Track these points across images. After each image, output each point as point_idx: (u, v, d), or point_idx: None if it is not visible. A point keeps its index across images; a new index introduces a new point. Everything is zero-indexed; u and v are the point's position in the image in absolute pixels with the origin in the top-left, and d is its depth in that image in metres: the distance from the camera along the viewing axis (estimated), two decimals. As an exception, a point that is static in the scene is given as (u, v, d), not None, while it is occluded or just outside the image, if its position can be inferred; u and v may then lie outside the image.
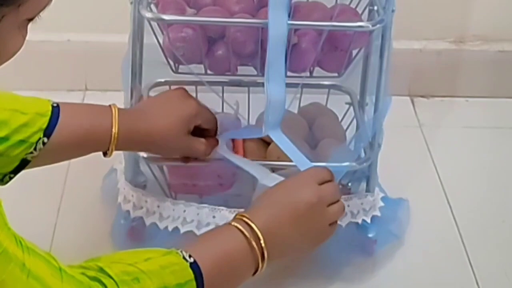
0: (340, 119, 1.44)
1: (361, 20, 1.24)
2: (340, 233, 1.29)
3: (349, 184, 1.37)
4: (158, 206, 1.27)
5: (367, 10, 1.28)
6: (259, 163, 1.25)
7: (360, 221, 1.31)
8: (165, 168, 1.32)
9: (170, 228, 1.26)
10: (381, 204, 1.34)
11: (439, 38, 1.76)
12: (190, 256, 0.93)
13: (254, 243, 0.99)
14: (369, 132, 1.31)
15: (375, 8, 1.23)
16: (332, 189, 1.11)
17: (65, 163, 1.52)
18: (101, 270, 0.87)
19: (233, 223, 1.00)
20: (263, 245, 0.99)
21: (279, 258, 1.04)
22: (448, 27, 1.75)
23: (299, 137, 1.36)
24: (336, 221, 1.11)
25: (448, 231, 1.44)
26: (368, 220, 1.31)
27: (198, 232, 1.24)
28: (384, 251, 1.37)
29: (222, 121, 1.39)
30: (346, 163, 1.28)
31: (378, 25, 1.19)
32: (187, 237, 1.23)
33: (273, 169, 1.25)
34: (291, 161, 1.20)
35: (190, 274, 0.91)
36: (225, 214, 1.24)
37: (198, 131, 1.21)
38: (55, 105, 1.08)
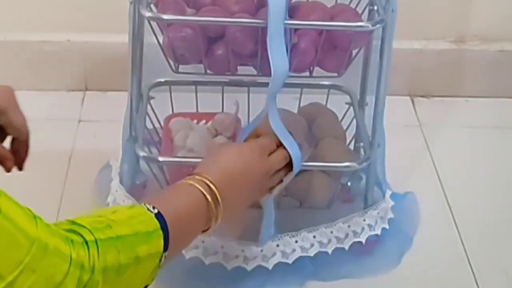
0: (340, 119, 1.44)
1: (361, 20, 1.24)
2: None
3: (349, 184, 1.37)
4: None
5: (367, 10, 1.28)
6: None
7: (379, 232, 1.31)
8: (165, 168, 1.33)
9: None
10: (392, 203, 1.34)
11: (439, 38, 1.76)
12: (154, 208, 0.96)
13: (212, 204, 1.03)
14: (369, 132, 1.31)
15: (375, 8, 1.23)
16: (279, 158, 1.15)
17: (65, 159, 1.53)
18: (73, 222, 0.89)
19: (191, 182, 1.04)
20: (220, 206, 1.04)
21: (224, 220, 1.07)
22: (448, 27, 1.75)
23: (299, 137, 1.36)
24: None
25: (448, 231, 1.44)
26: (387, 226, 1.32)
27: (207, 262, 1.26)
28: (384, 251, 1.36)
29: (222, 121, 1.39)
30: (346, 163, 1.28)
31: (378, 25, 1.19)
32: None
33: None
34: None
35: (156, 223, 0.94)
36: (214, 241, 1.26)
37: None
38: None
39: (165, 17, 1.19)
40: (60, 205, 1.44)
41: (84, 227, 0.88)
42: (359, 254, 1.34)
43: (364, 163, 1.29)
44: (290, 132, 1.18)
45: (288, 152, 1.15)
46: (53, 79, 1.73)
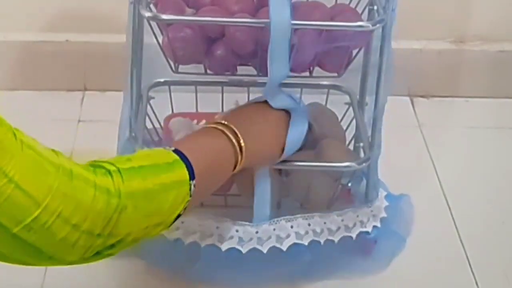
0: (340, 119, 1.43)
1: (361, 20, 1.24)
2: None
3: (349, 184, 1.37)
4: None
5: (367, 10, 1.28)
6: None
7: (370, 229, 1.31)
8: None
9: (168, 237, 1.27)
10: (386, 203, 1.34)
11: (439, 38, 1.76)
12: (170, 147, 1.01)
13: (234, 140, 1.09)
14: (369, 132, 1.31)
15: (375, 7, 1.23)
16: None
17: (67, 154, 1.53)
18: (93, 161, 0.92)
19: (214, 126, 1.10)
20: (242, 142, 1.09)
21: (250, 160, 1.13)
22: (448, 27, 1.75)
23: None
24: None
25: (447, 232, 1.44)
26: (379, 225, 1.32)
27: (202, 244, 1.26)
28: (384, 251, 1.36)
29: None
30: (346, 163, 1.28)
31: (378, 25, 1.19)
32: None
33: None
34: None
35: (174, 156, 0.98)
36: (229, 225, 1.26)
37: None
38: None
39: (165, 17, 1.18)
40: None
41: (105, 161, 0.91)
42: (355, 254, 1.34)
43: (364, 163, 1.29)
44: None
45: None
46: (52, 79, 1.73)
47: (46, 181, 0.82)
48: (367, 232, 1.32)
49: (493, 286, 1.35)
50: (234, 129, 1.10)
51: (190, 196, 0.98)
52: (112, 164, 0.91)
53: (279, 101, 1.20)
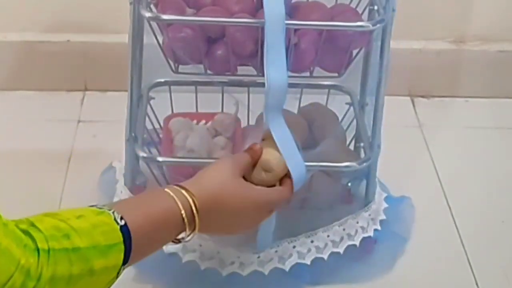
0: (340, 119, 1.43)
1: (361, 20, 1.24)
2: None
3: (349, 184, 1.37)
4: None
5: (367, 10, 1.28)
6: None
7: (372, 234, 1.31)
8: (165, 168, 1.32)
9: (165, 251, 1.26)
10: (385, 205, 1.34)
11: (439, 38, 1.76)
12: (121, 219, 0.93)
13: (184, 216, 1.00)
14: (369, 132, 1.31)
15: (375, 7, 1.23)
16: (282, 199, 1.12)
17: (65, 159, 1.53)
18: (32, 224, 0.87)
19: (168, 191, 1.01)
20: (196, 220, 1.01)
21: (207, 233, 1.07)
22: (448, 27, 1.75)
23: (299, 138, 1.36)
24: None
25: (448, 232, 1.44)
26: (379, 228, 1.32)
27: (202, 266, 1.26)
28: (384, 251, 1.36)
29: (222, 121, 1.39)
30: (346, 163, 1.28)
31: (378, 25, 1.19)
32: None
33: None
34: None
35: (119, 236, 0.92)
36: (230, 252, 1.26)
37: None
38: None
39: (165, 17, 1.18)
40: (60, 205, 1.44)
41: (41, 232, 0.87)
42: (356, 259, 1.34)
43: (364, 164, 1.29)
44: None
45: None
46: (52, 79, 1.73)
47: None
48: (369, 237, 1.32)
49: (493, 286, 1.35)
50: (189, 199, 1.01)
51: (116, 278, 0.93)
52: (46, 240, 0.86)
53: (280, 126, 1.14)
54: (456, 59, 1.77)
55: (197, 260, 1.26)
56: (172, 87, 1.42)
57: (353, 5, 1.29)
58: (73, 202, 1.44)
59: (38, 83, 1.73)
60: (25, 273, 0.83)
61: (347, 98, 1.44)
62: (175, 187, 1.02)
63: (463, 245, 1.42)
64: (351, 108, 1.42)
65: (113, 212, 0.93)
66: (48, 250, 0.86)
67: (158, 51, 1.25)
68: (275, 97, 1.11)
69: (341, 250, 1.30)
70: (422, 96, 1.79)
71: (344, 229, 1.30)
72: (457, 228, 1.45)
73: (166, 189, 1.01)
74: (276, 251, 1.27)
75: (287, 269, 1.27)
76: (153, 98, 1.40)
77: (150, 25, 1.23)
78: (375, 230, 1.32)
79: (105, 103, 1.71)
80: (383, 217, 1.34)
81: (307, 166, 1.26)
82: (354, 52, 1.28)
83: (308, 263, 1.28)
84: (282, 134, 1.13)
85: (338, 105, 1.43)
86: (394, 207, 1.38)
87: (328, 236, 1.29)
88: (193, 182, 1.05)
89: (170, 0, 1.23)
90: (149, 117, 1.39)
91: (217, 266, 1.26)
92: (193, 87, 1.42)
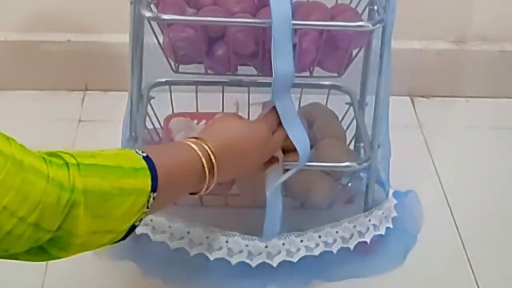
0: (340, 119, 1.44)
1: (361, 20, 1.24)
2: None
3: (349, 184, 1.37)
4: (151, 220, 1.27)
5: (367, 9, 1.28)
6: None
7: (383, 232, 1.31)
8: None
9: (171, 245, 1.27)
10: (395, 201, 1.35)
11: (439, 38, 1.76)
12: (143, 152, 0.95)
13: (205, 163, 1.03)
14: (369, 132, 1.31)
15: (375, 7, 1.23)
16: (279, 139, 1.17)
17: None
18: (56, 151, 0.88)
19: (187, 142, 1.04)
20: (215, 166, 1.04)
21: (221, 180, 1.09)
22: (448, 27, 1.75)
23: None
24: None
25: (448, 231, 1.44)
26: (391, 226, 1.32)
27: (211, 257, 1.26)
28: (389, 250, 1.36)
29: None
30: (346, 163, 1.28)
31: (378, 25, 1.19)
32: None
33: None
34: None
35: (143, 163, 0.93)
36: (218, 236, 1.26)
37: None
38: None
39: (165, 17, 1.18)
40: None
41: (66, 152, 0.87)
42: (364, 253, 1.34)
43: (364, 164, 1.29)
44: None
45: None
46: (53, 79, 1.73)
47: None
48: (380, 235, 1.32)
49: (493, 286, 1.35)
50: (208, 149, 1.05)
51: (147, 208, 0.93)
52: (74, 157, 0.87)
53: (286, 105, 1.17)
54: (457, 59, 1.76)
55: (205, 252, 1.26)
56: (172, 87, 1.42)
57: (353, 5, 1.29)
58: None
59: (38, 83, 1.73)
60: (58, 185, 0.83)
61: (347, 98, 1.44)
62: (190, 138, 1.06)
63: (463, 245, 1.41)
64: (351, 108, 1.43)
65: (134, 150, 0.95)
66: (78, 164, 0.86)
67: (158, 51, 1.25)
68: (282, 83, 1.14)
69: (351, 246, 1.30)
70: (422, 96, 1.79)
71: (354, 226, 1.30)
72: (457, 228, 1.45)
73: (187, 142, 1.05)
74: (283, 244, 1.27)
75: (295, 260, 1.27)
76: (153, 98, 1.40)
77: (151, 25, 1.23)
78: (387, 228, 1.32)
79: (106, 103, 1.71)
80: (394, 214, 1.34)
81: (307, 166, 1.27)
82: (354, 52, 1.28)
83: (316, 254, 1.28)
84: (286, 109, 1.17)
85: (338, 105, 1.44)
86: (401, 202, 1.38)
87: (337, 232, 1.29)
88: (203, 132, 1.09)
89: (170, 0, 1.23)
90: (149, 117, 1.39)
91: (226, 256, 1.26)
92: (193, 87, 1.42)
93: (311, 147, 1.34)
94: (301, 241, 1.27)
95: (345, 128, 1.42)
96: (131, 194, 0.90)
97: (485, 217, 1.48)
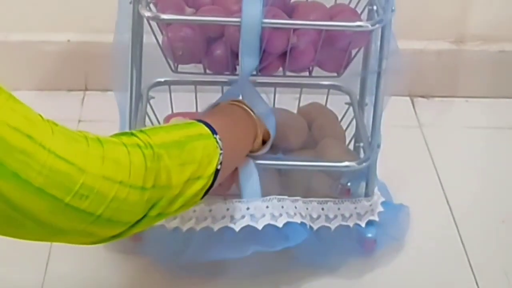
0: (339, 119, 1.44)
1: (360, 20, 1.24)
2: (339, 234, 1.30)
3: (349, 184, 1.37)
4: None
5: (366, 9, 1.28)
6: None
7: (351, 225, 1.30)
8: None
9: (169, 228, 1.26)
10: (381, 209, 1.34)
11: (439, 38, 1.76)
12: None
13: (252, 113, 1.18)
14: (369, 132, 1.31)
15: (375, 8, 1.23)
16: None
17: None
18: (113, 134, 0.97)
19: (234, 103, 1.18)
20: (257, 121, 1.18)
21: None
22: (448, 27, 1.75)
23: (298, 138, 1.36)
24: None
25: (448, 231, 1.44)
26: (363, 225, 1.31)
27: (197, 228, 1.26)
28: (384, 251, 1.37)
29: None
30: (346, 163, 1.28)
31: (377, 25, 1.19)
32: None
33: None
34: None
35: (194, 122, 1.04)
36: (221, 206, 1.25)
37: None
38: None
39: (164, 16, 1.19)
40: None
41: (124, 132, 0.96)
42: (358, 253, 1.34)
43: (364, 163, 1.29)
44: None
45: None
46: (53, 79, 1.73)
47: (80, 148, 0.84)
48: (369, 236, 1.33)
49: (493, 286, 1.35)
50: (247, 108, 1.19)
51: (221, 149, 1.01)
52: (132, 132, 0.95)
53: (251, 96, 1.24)
54: (456, 59, 1.77)
55: (194, 225, 1.26)
56: (172, 86, 1.43)
57: (352, 5, 1.29)
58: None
59: (38, 83, 1.73)
60: (136, 146, 0.91)
61: (347, 98, 1.44)
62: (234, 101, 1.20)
63: (463, 245, 1.42)
64: (351, 108, 1.43)
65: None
66: (141, 131, 0.95)
67: (158, 50, 1.25)
68: (246, 79, 1.21)
69: (332, 227, 1.29)
70: (422, 97, 1.79)
71: (339, 209, 1.29)
72: (457, 228, 1.45)
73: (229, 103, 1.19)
74: (267, 207, 1.24)
75: (280, 225, 1.24)
76: (153, 98, 1.40)
77: (150, 25, 1.23)
78: (357, 224, 1.32)
79: (106, 103, 1.71)
80: (374, 217, 1.33)
81: (307, 166, 1.27)
82: (354, 52, 1.28)
83: (299, 222, 1.26)
84: (248, 92, 1.24)
85: (338, 105, 1.44)
86: (389, 213, 1.37)
87: (307, 209, 1.28)
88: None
89: (169, -1, 1.23)
90: (149, 117, 1.39)
91: (210, 224, 1.25)
92: (192, 87, 1.42)
93: (312, 147, 1.35)
94: (282, 207, 1.26)
95: (344, 128, 1.42)
96: (198, 138, 1.00)
97: (484, 216, 1.48)
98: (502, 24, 1.74)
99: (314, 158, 1.32)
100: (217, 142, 1.01)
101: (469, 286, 1.34)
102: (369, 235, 1.33)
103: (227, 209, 1.23)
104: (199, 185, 0.98)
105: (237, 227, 1.22)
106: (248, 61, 1.17)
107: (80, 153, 0.84)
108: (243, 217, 1.23)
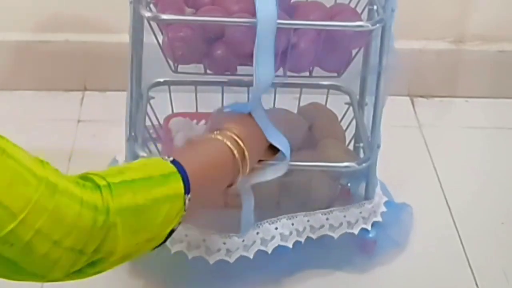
0: (339, 119, 1.43)
1: (360, 20, 1.24)
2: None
3: (349, 184, 1.37)
4: None
5: (366, 9, 1.28)
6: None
7: (356, 232, 1.31)
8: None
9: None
10: (384, 209, 1.34)
11: (439, 38, 1.76)
12: (168, 157, 0.95)
13: (237, 156, 1.05)
14: (369, 132, 1.31)
15: (375, 7, 1.23)
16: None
17: (65, 159, 1.53)
18: (85, 173, 0.88)
19: (218, 137, 1.06)
20: (247, 156, 1.06)
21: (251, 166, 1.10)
22: (448, 27, 1.75)
23: (298, 138, 1.36)
24: None
25: (447, 232, 1.44)
26: (369, 228, 1.32)
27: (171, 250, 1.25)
28: (384, 251, 1.36)
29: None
30: (346, 163, 1.28)
31: (377, 25, 1.19)
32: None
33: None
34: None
35: (171, 167, 0.93)
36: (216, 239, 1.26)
37: None
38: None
39: (164, 17, 1.18)
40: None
41: (96, 174, 0.87)
42: (358, 253, 1.34)
43: (364, 164, 1.29)
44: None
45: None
46: (52, 79, 1.73)
47: (25, 193, 0.77)
48: (369, 237, 1.33)
49: (493, 286, 1.35)
50: (237, 139, 1.07)
51: (185, 210, 0.93)
52: (103, 178, 0.86)
53: (260, 112, 1.16)
54: (456, 59, 1.77)
55: (185, 250, 1.25)
56: (172, 86, 1.42)
57: (352, 5, 1.29)
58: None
59: (37, 83, 1.73)
60: (92, 208, 0.82)
61: (347, 98, 1.44)
62: (223, 131, 1.07)
63: (463, 245, 1.42)
64: (351, 108, 1.42)
65: (161, 157, 0.96)
66: (109, 184, 0.86)
67: (158, 51, 1.25)
68: (261, 91, 1.14)
69: (336, 235, 1.29)
70: (422, 96, 1.79)
71: (344, 216, 1.29)
72: (457, 228, 1.45)
73: (213, 135, 1.06)
74: (257, 233, 1.26)
75: (269, 251, 1.26)
76: (153, 98, 1.40)
77: (150, 25, 1.23)
78: (363, 229, 1.32)
79: (104, 103, 1.71)
80: (378, 219, 1.33)
81: (307, 166, 1.27)
82: (354, 52, 1.28)
83: (290, 246, 1.27)
84: (261, 116, 1.16)
85: (338, 105, 1.43)
86: (392, 213, 1.37)
87: (308, 221, 1.29)
88: (228, 121, 1.10)
89: (169, 0, 1.23)
90: (149, 117, 1.39)
91: (204, 255, 1.25)
92: (192, 87, 1.42)
93: (312, 147, 1.35)
94: (276, 228, 1.27)
95: (344, 128, 1.42)
96: (165, 201, 0.90)
97: (485, 217, 1.48)
98: (502, 24, 1.75)
99: (314, 158, 1.31)
100: (184, 203, 0.93)
101: (469, 286, 1.34)
102: (370, 235, 1.33)
103: (224, 243, 1.25)
104: (149, 246, 0.93)
105: (232, 259, 1.25)
106: (263, 70, 1.11)
107: (22, 198, 0.77)
108: (237, 249, 1.26)
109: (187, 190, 0.93)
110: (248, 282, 1.31)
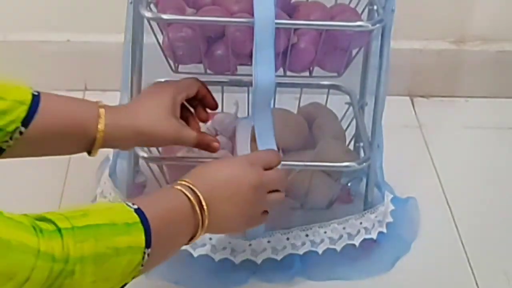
0: (339, 119, 1.44)
1: (360, 20, 1.24)
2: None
3: (349, 184, 1.37)
4: None
5: (366, 9, 1.28)
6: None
7: (375, 237, 1.31)
8: (164, 167, 1.32)
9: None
10: (392, 207, 1.34)
11: (439, 38, 1.76)
12: (133, 204, 0.92)
13: (197, 208, 0.98)
14: (369, 132, 1.31)
15: (375, 7, 1.23)
16: (276, 176, 1.08)
17: (65, 159, 1.53)
18: (47, 214, 0.85)
19: (178, 187, 0.99)
20: (205, 212, 0.99)
21: (213, 230, 1.04)
22: (448, 27, 1.75)
23: (298, 138, 1.36)
24: (268, 211, 1.10)
25: (447, 232, 1.44)
26: (384, 231, 1.32)
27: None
28: (379, 254, 1.36)
29: (222, 120, 1.39)
30: (346, 163, 1.28)
31: (377, 25, 1.19)
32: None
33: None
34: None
35: (135, 217, 0.90)
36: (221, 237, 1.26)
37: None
38: (36, 93, 1.01)
39: (165, 17, 1.18)
40: (60, 205, 1.44)
41: (59, 214, 0.84)
42: (355, 257, 1.34)
43: (364, 163, 1.29)
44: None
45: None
46: (52, 79, 1.73)
47: None
48: (371, 239, 1.32)
49: (493, 286, 1.35)
50: (202, 200, 0.99)
51: (142, 266, 0.90)
52: (67, 219, 0.84)
53: (265, 123, 1.16)
54: (456, 59, 1.76)
55: (189, 249, 1.25)
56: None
57: (352, 5, 1.29)
58: (73, 202, 1.45)
59: (38, 83, 1.72)
60: (49, 259, 0.80)
61: (347, 98, 1.44)
62: (181, 182, 1.00)
63: (463, 245, 1.41)
64: (351, 107, 1.43)
65: (125, 203, 0.92)
66: (72, 228, 0.83)
67: (158, 51, 1.25)
68: (262, 95, 1.12)
69: (338, 247, 1.29)
70: (422, 96, 1.79)
71: (344, 228, 1.29)
72: (457, 228, 1.45)
73: (177, 187, 0.99)
74: (268, 242, 1.26)
75: (279, 259, 1.27)
76: (153, 98, 1.40)
77: (150, 25, 1.23)
78: (380, 232, 1.32)
79: (105, 102, 1.71)
80: (390, 219, 1.34)
81: (307, 166, 1.27)
82: (354, 51, 1.28)
83: (301, 253, 1.28)
84: (264, 132, 1.15)
85: (338, 105, 1.44)
86: (400, 209, 1.37)
87: (325, 232, 1.29)
88: (194, 175, 1.03)
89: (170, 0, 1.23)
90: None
91: (209, 252, 1.26)
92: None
93: (312, 147, 1.35)
94: (287, 239, 1.27)
95: (344, 128, 1.42)
96: (126, 253, 0.88)
97: (484, 216, 1.48)
98: (502, 24, 1.74)
99: (314, 158, 1.31)
100: (143, 258, 0.89)
101: (469, 286, 1.34)
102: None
103: (229, 242, 1.25)
104: None
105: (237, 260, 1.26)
106: (262, 69, 1.11)
107: None
108: (243, 251, 1.27)
109: (148, 244, 0.90)
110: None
